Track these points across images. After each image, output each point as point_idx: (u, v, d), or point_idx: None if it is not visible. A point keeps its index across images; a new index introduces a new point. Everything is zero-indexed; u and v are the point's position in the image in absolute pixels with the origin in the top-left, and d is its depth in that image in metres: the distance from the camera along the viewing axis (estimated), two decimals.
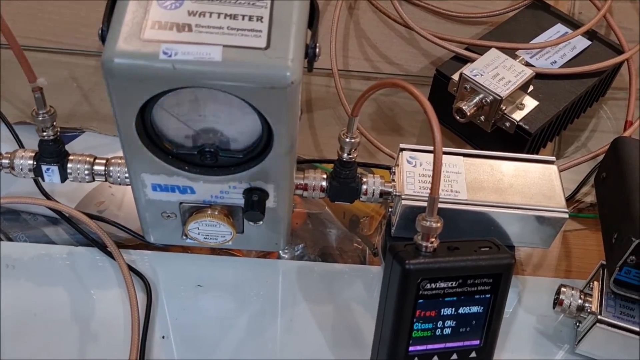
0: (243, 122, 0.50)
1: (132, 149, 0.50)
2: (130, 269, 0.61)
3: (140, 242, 0.63)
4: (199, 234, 0.58)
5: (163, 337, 0.58)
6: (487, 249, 0.51)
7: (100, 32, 0.46)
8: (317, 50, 0.48)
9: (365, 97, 0.53)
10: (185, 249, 0.65)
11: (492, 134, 0.69)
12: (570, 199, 0.70)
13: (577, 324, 0.59)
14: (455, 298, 0.51)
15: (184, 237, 0.59)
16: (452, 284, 0.50)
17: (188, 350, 0.57)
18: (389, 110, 0.82)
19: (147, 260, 0.63)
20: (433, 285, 0.49)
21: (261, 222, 0.57)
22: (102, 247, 0.62)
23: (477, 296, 0.51)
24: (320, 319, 0.60)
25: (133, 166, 0.53)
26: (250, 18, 0.46)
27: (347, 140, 0.57)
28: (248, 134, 0.51)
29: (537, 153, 0.73)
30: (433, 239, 0.49)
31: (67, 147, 0.58)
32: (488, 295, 0.51)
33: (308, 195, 0.60)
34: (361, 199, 0.61)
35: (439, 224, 0.49)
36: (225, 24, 0.45)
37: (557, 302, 0.59)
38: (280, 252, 0.66)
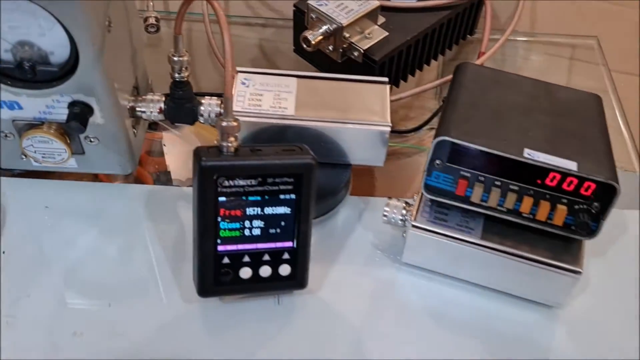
0: (53, 33, 0.53)
1: None
2: None
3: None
4: (35, 152, 0.60)
5: (4, 252, 0.60)
6: (291, 151, 0.53)
7: None
8: None
9: (182, 13, 0.56)
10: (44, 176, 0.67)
11: (344, 64, 0.71)
12: (422, 126, 0.73)
13: (404, 234, 0.61)
14: (259, 197, 0.53)
15: (23, 157, 0.61)
16: (252, 182, 0.52)
17: (29, 265, 0.60)
18: (271, 55, 0.84)
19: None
20: (231, 183, 0.52)
21: (95, 140, 0.60)
22: None
23: (281, 196, 0.53)
24: (163, 236, 0.63)
25: None
26: None
27: (176, 59, 0.59)
28: (62, 47, 0.54)
29: (397, 86, 0.76)
30: (232, 139, 0.52)
31: None
32: (293, 196, 0.54)
33: (147, 116, 0.63)
34: (200, 120, 0.63)
35: (235, 124, 0.51)
36: None
37: (384, 214, 0.61)
38: None
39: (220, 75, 0.79)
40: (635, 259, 0.64)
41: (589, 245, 0.57)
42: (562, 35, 0.88)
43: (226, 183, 0.51)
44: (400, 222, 0.60)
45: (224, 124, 0.51)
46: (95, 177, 0.68)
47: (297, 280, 0.57)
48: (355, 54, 0.70)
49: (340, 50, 0.70)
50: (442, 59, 0.82)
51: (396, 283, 0.61)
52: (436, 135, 0.54)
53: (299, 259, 0.56)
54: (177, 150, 0.75)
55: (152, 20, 0.78)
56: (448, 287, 0.60)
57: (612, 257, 0.64)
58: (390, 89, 0.72)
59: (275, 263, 0.55)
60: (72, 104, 0.56)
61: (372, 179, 0.72)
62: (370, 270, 0.61)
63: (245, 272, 0.55)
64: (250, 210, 0.53)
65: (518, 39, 0.88)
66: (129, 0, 0.60)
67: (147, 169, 0.72)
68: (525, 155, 0.53)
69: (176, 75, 0.60)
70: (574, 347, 0.57)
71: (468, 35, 0.83)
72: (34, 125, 0.59)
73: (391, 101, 0.71)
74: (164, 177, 0.73)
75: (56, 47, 0.54)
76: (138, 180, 0.69)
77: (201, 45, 0.83)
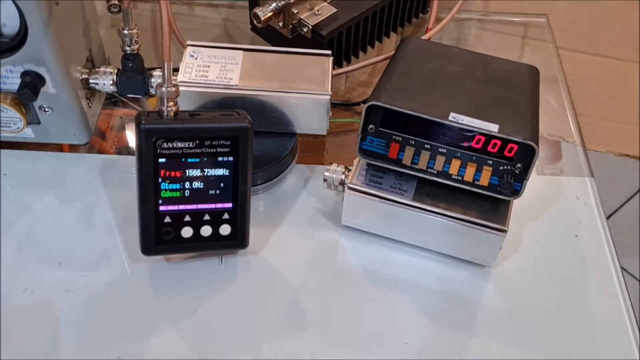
0: (4, 6, 0.56)
1: None
2: None
3: None
4: None
5: None
6: (229, 116, 0.56)
7: None
8: None
9: None
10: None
11: (295, 40, 0.74)
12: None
13: (343, 198, 0.64)
14: (198, 160, 0.56)
15: None
16: (190, 144, 0.55)
17: None
18: (232, 34, 0.87)
19: None
20: (170, 145, 0.55)
21: (49, 110, 0.63)
22: None
23: (219, 158, 0.57)
24: (115, 202, 0.66)
25: None
26: None
27: (126, 32, 0.63)
28: (13, 19, 0.57)
29: (349, 62, 0.79)
30: (171, 104, 0.55)
31: None
32: (230, 158, 0.57)
33: (100, 88, 0.66)
34: (151, 92, 0.66)
35: (174, 89, 0.54)
36: None
37: (324, 179, 0.64)
38: None
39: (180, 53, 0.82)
40: (567, 222, 0.66)
41: (525, 210, 0.60)
42: (514, 14, 0.91)
43: (165, 145, 0.55)
44: (339, 186, 0.63)
45: (163, 89, 0.54)
46: (60, 149, 0.71)
47: (238, 240, 0.60)
48: (304, 29, 0.73)
49: (290, 26, 0.73)
50: (398, 38, 0.85)
51: (336, 245, 0.64)
52: (368, 100, 0.57)
53: (239, 219, 0.59)
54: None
55: (114, 1, 0.80)
56: (385, 248, 0.63)
57: (546, 221, 0.67)
58: (339, 62, 0.75)
59: (215, 223, 0.58)
60: (24, 74, 0.60)
61: (323, 150, 0.75)
62: (311, 233, 0.65)
63: (187, 232, 0.58)
64: (190, 172, 0.56)
65: (472, 17, 0.91)
66: None
67: (108, 144, 0.75)
68: (450, 118, 0.56)
69: (127, 48, 0.63)
70: (503, 304, 0.60)
71: (421, 14, 0.86)
72: None
73: (338, 74, 0.74)
74: (124, 152, 0.76)
75: (8, 19, 0.57)
76: (101, 153, 0.72)
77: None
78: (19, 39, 0.58)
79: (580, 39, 0.92)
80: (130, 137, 0.75)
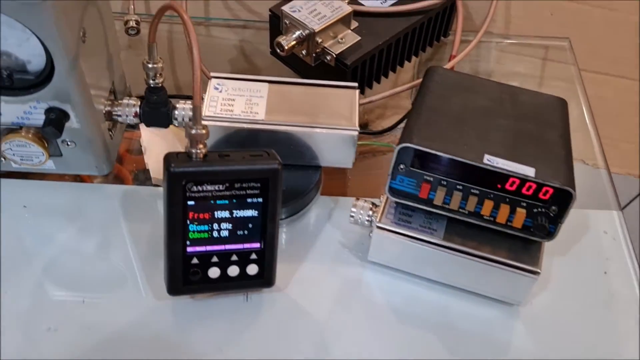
0: (29, 44, 0.54)
1: None
2: None
3: None
4: (14, 155, 0.62)
5: None
6: (258, 157, 0.55)
7: None
8: None
9: (155, 22, 0.58)
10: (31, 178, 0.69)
11: (318, 67, 0.73)
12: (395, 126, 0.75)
13: (370, 234, 0.63)
14: (227, 201, 0.55)
15: (2, 160, 0.63)
16: (219, 187, 0.54)
17: (4, 262, 0.62)
18: (250, 56, 0.86)
19: None
20: (200, 188, 0.54)
21: (72, 144, 0.62)
22: None
23: (249, 200, 0.56)
24: (138, 235, 0.65)
25: None
26: None
27: (150, 66, 0.61)
28: (38, 56, 0.56)
29: (370, 88, 0.78)
30: (201, 146, 0.54)
31: None
32: (260, 200, 0.56)
33: (123, 120, 0.65)
34: (174, 124, 0.65)
35: (204, 131, 0.53)
36: None
37: (351, 215, 0.63)
38: None
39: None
40: (596, 257, 0.66)
41: (552, 244, 0.59)
42: (535, 37, 0.90)
43: (195, 188, 0.54)
44: (366, 222, 0.62)
45: (193, 131, 0.53)
46: (76, 177, 0.70)
47: (265, 279, 0.59)
48: (328, 58, 0.72)
49: (314, 54, 0.72)
50: (417, 60, 0.84)
51: (362, 281, 0.63)
52: (400, 142, 0.56)
53: (266, 259, 0.58)
54: (156, 148, 0.77)
55: (132, 23, 0.79)
56: (412, 284, 0.63)
57: (574, 256, 0.66)
58: (363, 92, 0.74)
59: (243, 263, 0.58)
60: (48, 110, 0.58)
61: (345, 177, 0.74)
62: (337, 268, 0.64)
63: (214, 272, 0.57)
64: (218, 214, 0.55)
65: (492, 40, 0.90)
66: (104, 7, 0.62)
67: (126, 167, 0.74)
68: (485, 161, 0.55)
69: (151, 81, 0.62)
70: (532, 343, 0.60)
71: (442, 37, 0.84)
72: (13, 129, 0.61)
73: (363, 104, 0.73)
74: (142, 176, 0.75)
75: (33, 57, 0.56)
76: (118, 178, 0.71)
77: (180, 45, 0.85)
78: (44, 76, 0.56)
79: (602, 60, 0.91)
80: (150, 162, 0.74)
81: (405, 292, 0.62)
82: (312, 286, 0.62)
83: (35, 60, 0.56)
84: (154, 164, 0.74)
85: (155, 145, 0.78)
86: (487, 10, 0.84)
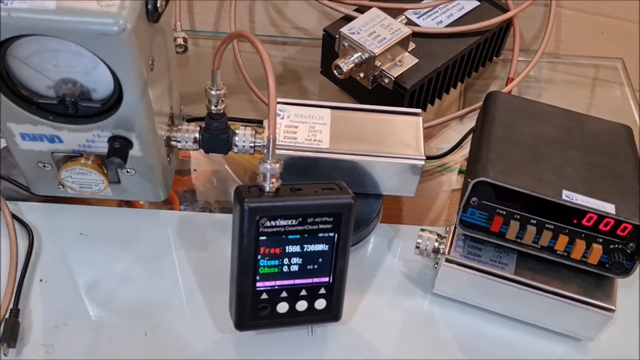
0: (97, 72, 0.53)
1: None
2: (15, 218, 0.64)
3: (32, 195, 0.66)
4: (73, 182, 0.61)
5: (41, 280, 0.61)
6: (330, 190, 0.54)
7: None
8: (157, 2, 0.51)
9: (222, 49, 0.56)
10: (83, 202, 0.67)
11: (375, 90, 0.72)
12: (449, 152, 0.74)
13: (435, 265, 0.62)
14: (299, 236, 0.54)
15: (60, 187, 0.62)
16: (292, 222, 0.53)
17: (65, 292, 0.60)
18: (294, 73, 0.85)
19: (33, 211, 0.66)
20: (273, 223, 0.52)
21: (132, 171, 0.60)
22: None
23: (320, 234, 0.54)
24: (195, 263, 0.63)
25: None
26: None
27: (213, 92, 0.60)
28: (105, 84, 0.54)
29: (424, 110, 0.76)
30: (274, 180, 0.52)
31: None
32: (332, 234, 0.54)
33: (182, 146, 0.64)
34: (234, 150, 0.64)
35: (277, 165, 0.52)
36: None
37: (416, 246, 0.61)
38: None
39: (248, 100, 0.80)
40: None
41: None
42: (587, 57, 0.89)
43: (268, 224, 0.52)
44: (432, 254, 0.61)
45: (267, 165, 0.52)
46: (130, 204, 0.69)
47: (332, 314, 0.58)
48: (386, 80, 0.70)
49: (371, 77, 0.70)
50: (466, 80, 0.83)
51: (426, 314, 0.62)
52: (474, 175, 0.55)
53: (335, 293, 0.57)
54: (203, 169, 0.76)
55: (180, 41, 0.78)
56: (478, 318, 0.61)
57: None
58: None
59: (311, 297, 0.56)
60: (112, 139, 0.57)
61: (399, 201, 0.73)
62: (400, 300, 0.63)
63: (282, 307, 0.56)
64: (289, 248, 0.54)
65: (543, 60, 0.88)
66: (167, 30, 0.60)
67: (174, 188, 0.72)
68: (564, 197, 0.54)
69: (213, 107, 0.60)
70: None
71: (494, 57, 0.83)
72: (73, 156, 0.59)
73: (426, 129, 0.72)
74: (190, 197, 0.74)
75: (99, 85, 0.54)
76: (166, 200, 0.70)
77: (225, 62, 0.83)
78: (110, 104, 0.55)
79: None
80: (197, 183, 0.72)
81: (471, 326, 0.61)
82: (376, 318, 0.61)
83: (101, 88, 0.55)
84: (201, 184, 0.73)
85: (203, 165, 0.76)
86: (539, 27, 0.82)
